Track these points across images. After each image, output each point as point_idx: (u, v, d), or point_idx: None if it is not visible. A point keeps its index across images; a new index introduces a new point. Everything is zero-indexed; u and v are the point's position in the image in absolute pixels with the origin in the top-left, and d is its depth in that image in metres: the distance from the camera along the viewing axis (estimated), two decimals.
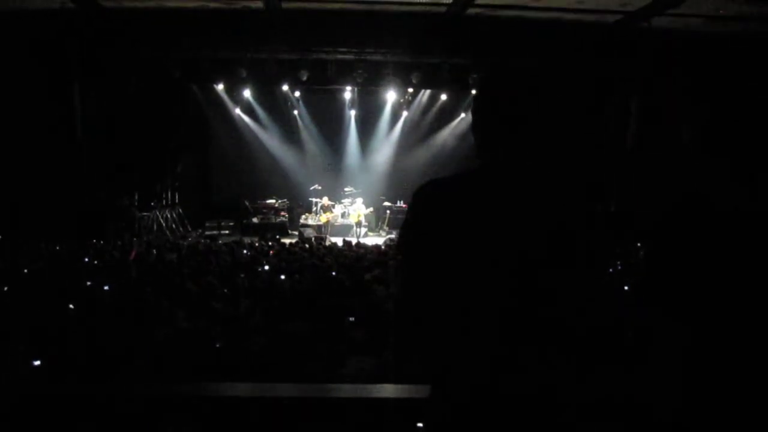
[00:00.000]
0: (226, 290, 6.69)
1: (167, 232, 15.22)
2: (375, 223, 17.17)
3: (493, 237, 1.69)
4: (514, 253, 1.68)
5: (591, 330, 1.73)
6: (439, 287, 1.75)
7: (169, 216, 15.85)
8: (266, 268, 8.51)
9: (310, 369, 4.01)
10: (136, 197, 14.93)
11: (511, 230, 1.69)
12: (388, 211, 16.88)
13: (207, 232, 15.90)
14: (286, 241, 13.15)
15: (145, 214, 15.01)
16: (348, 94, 16.90)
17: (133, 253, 9.71)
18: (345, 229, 15.97)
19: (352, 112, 17.90)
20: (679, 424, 1.71)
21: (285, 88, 16.09)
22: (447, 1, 11.33)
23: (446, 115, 18.00)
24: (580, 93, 12.66)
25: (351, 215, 16.35)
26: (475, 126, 1.85)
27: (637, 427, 2.04)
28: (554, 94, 1.78)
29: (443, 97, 17.11)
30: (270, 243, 12.24)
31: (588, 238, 1.75)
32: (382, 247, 12.11)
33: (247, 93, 16.51)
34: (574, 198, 1.77)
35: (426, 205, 1.81)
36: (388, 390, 2.72)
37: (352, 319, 5.41)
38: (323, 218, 16.23)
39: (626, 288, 6.16)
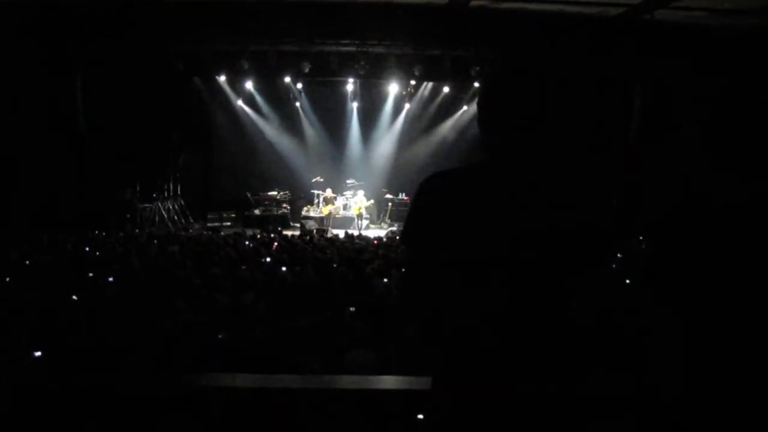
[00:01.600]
0: (228, 282, 6.71)
1: (169, 224, 15.24)
2: (377, 215, 17.18)
3: (499, 231, 1.69)
4: (520, 247, 1.68)
5: (595, 325, 1.74)
6: (443, 280, 1.75)
7: (171, 208, 15.86)
8: (268, 260, 8.52)
9: (312, 360, 4.02)
10: (138, 189, 14.93)
11: (518, 225, 1.69)
12: (389, 204, 16.88)
13: (209, 224, 15.93)
14: (288, 233, 13.16)
15: (147, 205, 15.02)
16: (350, 86, 16.87)
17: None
18: (347, 222, 15.98)
19: (354, 105, 17.86)
20: (681, 416, 1.72)
21: (287, 80, 16.07)
22: None
23: (448, 107, 17.97)
24: (583, 87, 12.64)
25: (352, 207, 16.34)
26: (480, 119, 1.85)
27: (640, 422, 2.05)
28: (560, 88, 1.78)
29: (445, 89, 17.06)
30: (272, 235, 12.25)
31: (594, 235, 1.75)
32: (384, 239, 12.12)
33: (249, 85, 16.49)
34: (581, 194, 1.77)
35: (432, 196, 1.81)
36: (388, 381, 2.74)
37: (352, 309, 5.42)
38: (325, 210, 16.24)
39: (627, 282, 6.16)
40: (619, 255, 8.70)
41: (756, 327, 1.66)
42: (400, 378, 2.67)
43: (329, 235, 13.55)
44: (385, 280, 6.98)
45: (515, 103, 1.77)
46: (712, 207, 1.78)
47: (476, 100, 1.93)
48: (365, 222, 16.19)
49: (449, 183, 1.81)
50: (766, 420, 1.64)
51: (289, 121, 18.02)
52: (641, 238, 9.72)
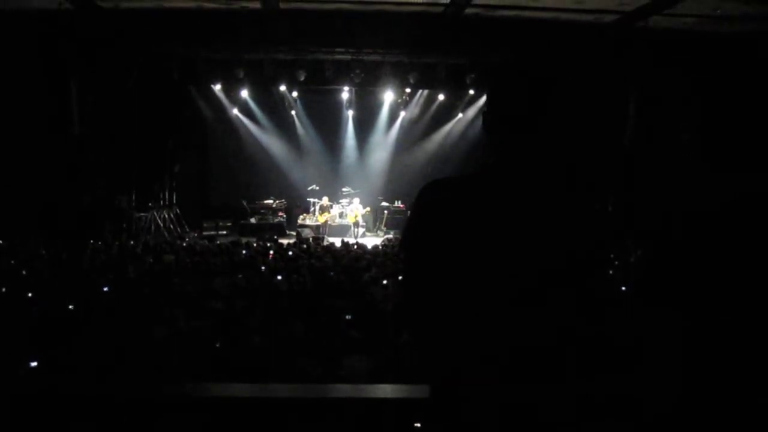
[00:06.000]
0: (224, 291, 6.69)
1: (165, 233, 15.21)
2: (372, 223, 17.18)
3: (500, 240, 1.69)
4: (521, 257, 1.68)
5: (596, 333, 1.73)
6: (443, 290, 1.75)
7: (166, 216, 15.83)
8: (263, 268, 8.51)
9: (308, 369, 4.01)
10: (134, 198, 14.92)
11: (519, 234, 1.68)
12: (385, 212, 16.89)
13: (205, 233, 15.89)
14: (284, 241, 13.16)
15: (142, 214, 14.99)
16: (345, 94, 16.92)
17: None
18: (342, 230, 15.98)
19: (350, 113, 17.91)
20: (679, 417, 1.72)
21: (282, 88, 16.10)
22: (445, 1, 11.33)
23: (444, 115, 18.02)
24: (577, 93, 12.68)
25: (348, 215, 16.35)
26: (485, 126, 1.85)
27: (639, 424, 2.04)
28: (563, 96, 1.78)
29: (440, 97, 17.12)
30: (268, 244, 12.24)
31: (597, 244, 1.75)
32: (380, 247, 12.12)
33: (244, 93, 16.52)
34: (582, 203, 1.77)
35: (431, 205, 1.80)
36: (385, 390, 2.72)
37: (349, 317, 5.42)
38: (321, 218, 16.24)
39: (624, 288, 6.16)
40: (616, 261, 8.72)
41: (756, 329, 1.66)
42: (397, 386, 2.66)
43: (325, 243, 13.55)
44: (385, 282, 7.00)
45: (519, 110, 1.77)
46: (708, 208, 1.78)
47: (473, 107, 1.94)
48: (361, 230, 16.19)
49: (449, 191, 1.80)
50: (766, 421, 1.64)
51: (285, 130, 18.04)
52: (637, 243, 9.73)
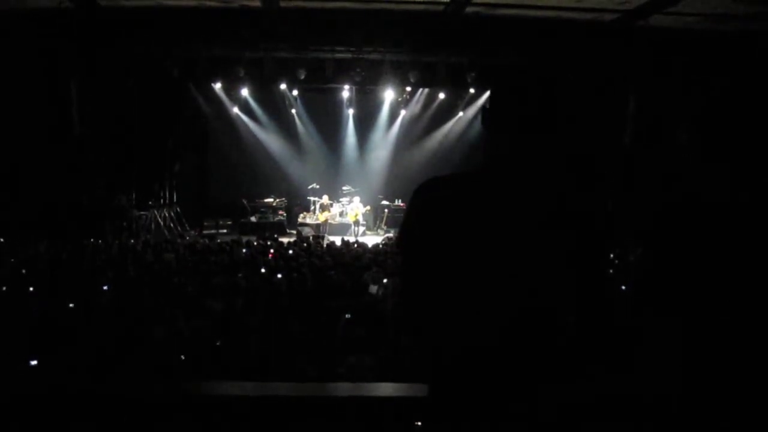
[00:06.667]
0: (224, 289, 6.69)
1: (165, 232, 15.20)
2: (373, 221, 17.19)
3: (499, 239, 1.68)
4: (520, 256, 1.67)
5: (592, 331, 1.73)
6: (441, 288, 1.74)
7: (167, 215, 15.84)
8: (263, 268, 8.51)
9: (308, 367, 4.01)
10: (134, 196, 14.92)
11: (518, 233, 1.68)
12: (386, 210, 16.91)
13: (205, 231, 15.91)
14: (284, 240, 13.15)
15: (142, 213, 14.99)
16: (346, 92, 16.90)
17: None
18: (343, 228, 15.99)
19: (350, 111, 17.91)
20: (679, 417, 1.72)
21: (283, 87, 16.09)
22: (445, 0, 11.33)
23: (444, 113, 18.03)
24: (578, 91, 12.68)
25: (349, 214, 16.35)
26: (485, 124, 1.85)
27: (637, 425, 2.04)
28: (566, 96, 1.78)
29: (441, 95, 17.11)
30: (268, 242, 12.23)
31: (593, 242, 1.75)
32: (380, 246, 12.11)
33: (245, 92, 16.51)
34: (582, 202, 1.77)
35: (428, 202, 1.80)
36: (386, 389, 2.72)
37: (348, 316, 5.42)
38: (321, 217, 16.25)
39: (623, 288, 6.16)
40: (615, 261, 8.72)
41: (757, 329, 1.66)
42: (397, 385, 2.66)
43: (326, 241, 13.54)
44: (385, 280, 7.00)
45: (522, 105, 1.76)
46: (707, 209, 1.78)
47: (473, 105, 1.94)
48: (362, 228, 16.20)
49: (446, 189, 1.80)
50: (766, 421, 1.64)
51: (285, 128, 18.06)
52: (637, 242, 9.72)
